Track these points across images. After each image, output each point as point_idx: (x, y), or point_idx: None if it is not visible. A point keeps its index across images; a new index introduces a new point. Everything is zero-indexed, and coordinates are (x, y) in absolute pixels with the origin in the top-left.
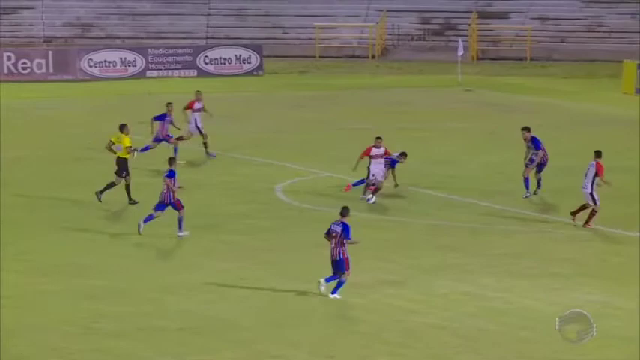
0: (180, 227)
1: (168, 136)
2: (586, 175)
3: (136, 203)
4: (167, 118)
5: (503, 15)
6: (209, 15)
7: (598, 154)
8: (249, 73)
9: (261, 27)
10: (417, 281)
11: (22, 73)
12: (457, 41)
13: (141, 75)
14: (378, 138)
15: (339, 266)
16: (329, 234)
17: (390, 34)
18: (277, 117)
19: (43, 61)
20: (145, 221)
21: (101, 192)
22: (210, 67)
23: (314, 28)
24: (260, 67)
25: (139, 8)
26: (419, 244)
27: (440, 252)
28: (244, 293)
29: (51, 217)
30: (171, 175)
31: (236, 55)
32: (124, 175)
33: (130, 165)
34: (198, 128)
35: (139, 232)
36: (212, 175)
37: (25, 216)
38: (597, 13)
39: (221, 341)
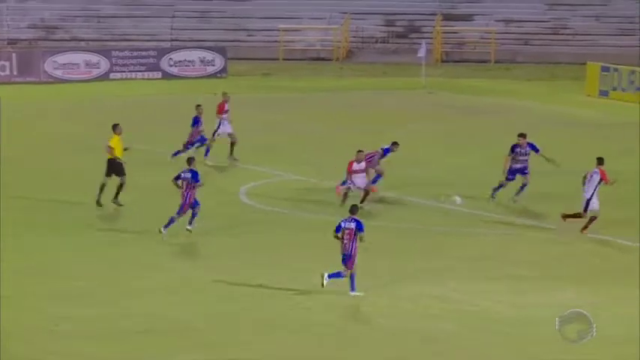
0: (190, 222)
1: (202, 137)
2: (588, 182)
3: (120, 205)
4: (200, 120)
5: (467, 17)
6: (174, 17)
7: (600, 161)
8: (213, 75)
9: (225, 29)
10: (382, 285)
11: None
12: (421, 44)
13: (104, 77)
14: (360, 151)
15: (347, 260)
16: (339, 231)
17: (355, 37)
18: (241, 119)
19: (7, 64)
20: (165, 227)
21: (115, 197)
22: (174, 70)
23: (278, 30)
24: (224, 69)
25: (104, 10)
26: (384, 248)
27: (405, 255)
28: (208, 296)
29: (26, 217)
30: (193, 176)
31: (200, 58)
32: (112, 175)
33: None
34: (226, 131)
35: (162, 237)
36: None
37: None
38: (561, 15)
39: (184, 344)
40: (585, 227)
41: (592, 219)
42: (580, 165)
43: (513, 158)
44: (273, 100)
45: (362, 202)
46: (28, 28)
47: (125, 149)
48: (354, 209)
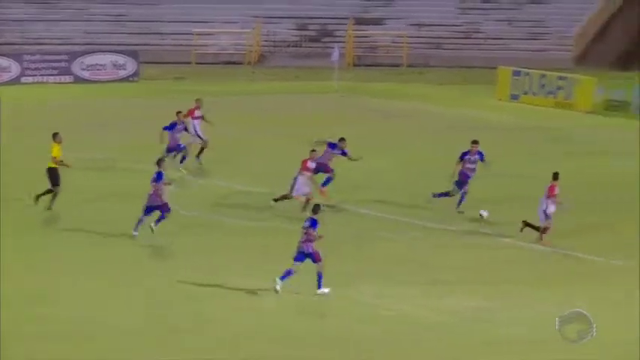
0: (156, 223)
1: (179, 145)
2: (545, 196)
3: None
4: (177, 127)
5: (379, 21)
6: (87, 21)
7: (555, 177)
8: (125, 79)
9: (138, 33)
10: (298, 288)
11: None
12: (333, 47)
13: (15, 81)
14: (313, 150)
15: (311, 259)
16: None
17: (267, 41)
18: (156, 124)
19: None
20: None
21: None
22: (85, 74)
23: (191, 34)
24: (136, 73)
25: (15, 14)
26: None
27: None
28: (140, 299)
29: None
30: (159, 177)
31: (112, 61)
32: (59, 184)
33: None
34: (198, 135)
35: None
36: (103, 184)
37: None
38: (474, 19)
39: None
40: (541, 237)
41: (545, 229)
42: (497, 169)
43: (462, 165)
44: (185, 104)
45: (304, 208)
46: None
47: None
48: (315, 208)
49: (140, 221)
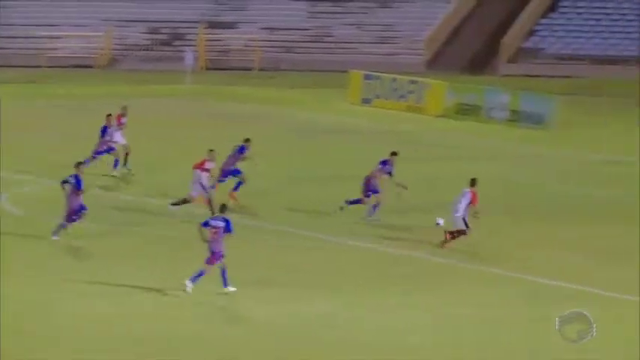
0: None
1: (110, 147)
2: (460, 202)
3: None
4: (108, 130)
5: (231, 25)
6: None
7: (473, 183)
8: None
9: None
10: (140, 289)
11: None
12: (185, 51)
13: None
14: (211, 150)
15: (216, 257)
16: (205, 227)
17: (118, 44)
18: (13, 128)
19: None
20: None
21: None
22: None
23: (42, 37)
24: None
25: None
26: (144, 253)
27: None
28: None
29: None
30: (77, 182)
31: None
32: None
33: None
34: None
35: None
36: None
37: None
38: (324, 23)
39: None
40: (446, 242)
41: (462, 233)
42: (349, 171)
43: (375, 174)
44: (36, 107)
45: (211, 208)
46: None
47: None
48: (223, 208)
49: (61, 226)
